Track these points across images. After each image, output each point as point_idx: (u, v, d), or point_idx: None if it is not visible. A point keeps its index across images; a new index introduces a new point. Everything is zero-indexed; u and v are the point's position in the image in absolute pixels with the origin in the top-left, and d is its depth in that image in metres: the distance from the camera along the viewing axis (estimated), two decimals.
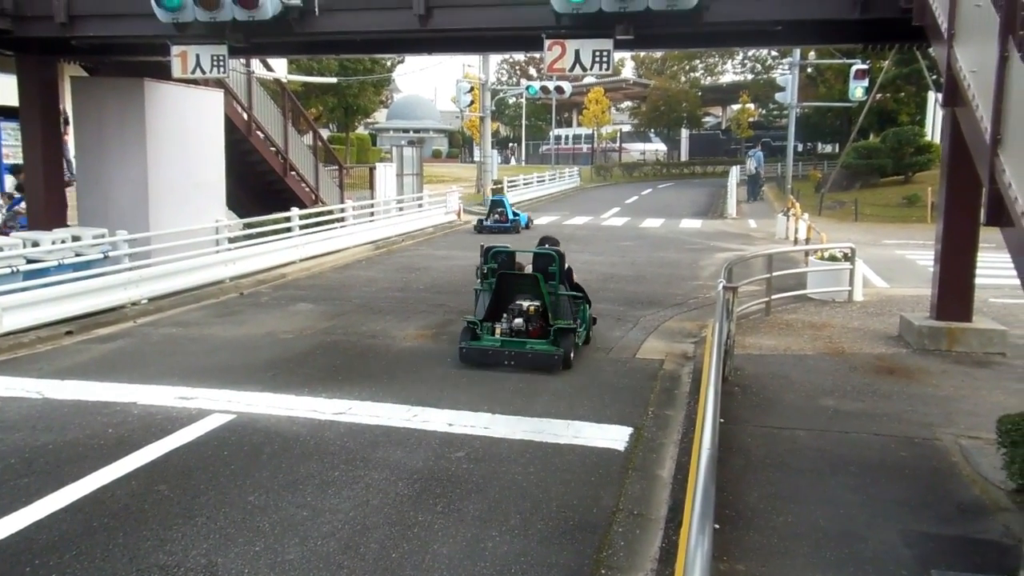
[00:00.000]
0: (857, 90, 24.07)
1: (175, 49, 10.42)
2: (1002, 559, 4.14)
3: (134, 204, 12.63)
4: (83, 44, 11.52)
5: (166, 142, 12.93)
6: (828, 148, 53.46)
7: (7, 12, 10.84)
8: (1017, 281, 5.27)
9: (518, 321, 8.04)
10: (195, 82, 12.83)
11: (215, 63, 10.40)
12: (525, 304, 8.09)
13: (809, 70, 38.56)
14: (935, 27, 6.99)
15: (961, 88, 6.12)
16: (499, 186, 30.19)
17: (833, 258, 11.15)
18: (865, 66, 24.23)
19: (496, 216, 20.66)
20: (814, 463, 5.41)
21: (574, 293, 8.50)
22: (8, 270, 9.19)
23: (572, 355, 7.89)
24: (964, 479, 5.16)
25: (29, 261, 9.62)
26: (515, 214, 20.88)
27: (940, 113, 28.56)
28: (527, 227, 20.70)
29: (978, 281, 8.75)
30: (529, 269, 8.45)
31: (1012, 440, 4.77)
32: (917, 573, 4.00)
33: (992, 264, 11.58)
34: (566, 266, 8.51)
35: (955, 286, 8.55)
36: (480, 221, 21.19)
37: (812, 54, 32.16)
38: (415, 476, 5.20)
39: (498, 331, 8.14)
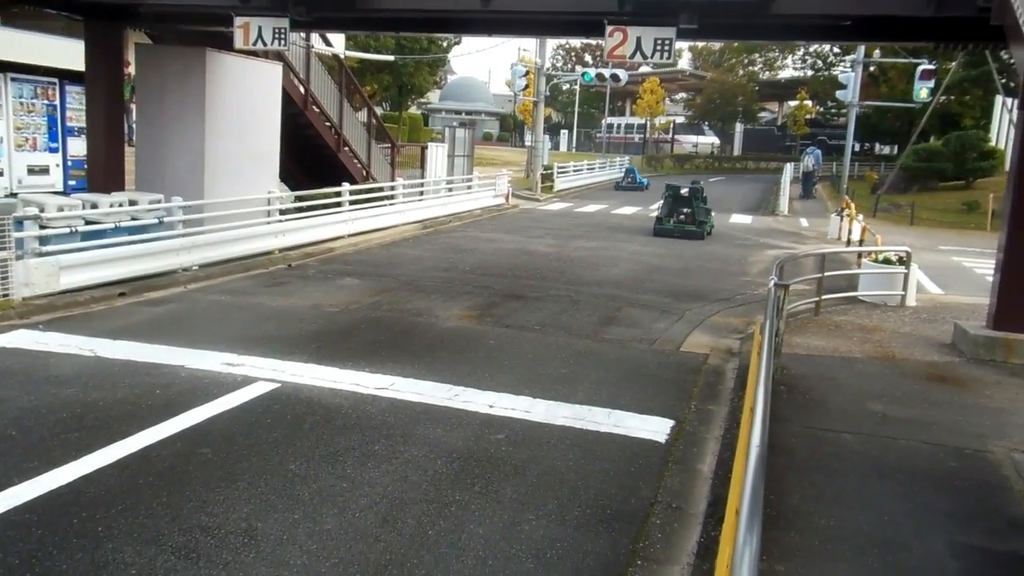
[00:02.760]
0: (922, 91, 23.44)
1: (238, 20, 10.54)
2: None
3: (190, 172, 12.82)
4: (150, 11, 11.71)
5: (224, 112, 13.08)
6: (886, 150, 52.15)
7: None
8: None
9: (681, 217, 18.14)
10: (255, 54, 12.94)
11: (276, 35, 10.50)
12: (684, 210, 18.17)
13: (872, 68, 37.61)
14: (1015, 27, 6.77)
15: None
16: (548, 171, 30.14)
17: (887, 261, 10.89)
18: (932, 66, 23.59)
19: (628, 180, 33.91)
20: (860, 467, 5.29)
21: (706, 207, 18.93)
22: (67, 230, 9.41)
23: (705, 235, 18.13)
24: (1016, 494, 5.00)
25: (88, 222, 9.83)
26: (640, 180, 34.09)
27: (1007, 118, 27.75)
28: (647, 187, 32.83)
29: None
30: (685, 193, 18.43)
31: None
32: None
33: None
34: (704, 194, 18.95)
35: (1015, 296, 8.29)
36: (618, 183, 34.34)
37: (877, 52, 31.32)
38: (454, 455, 5.22)
39: (671, 221, 18.20)
